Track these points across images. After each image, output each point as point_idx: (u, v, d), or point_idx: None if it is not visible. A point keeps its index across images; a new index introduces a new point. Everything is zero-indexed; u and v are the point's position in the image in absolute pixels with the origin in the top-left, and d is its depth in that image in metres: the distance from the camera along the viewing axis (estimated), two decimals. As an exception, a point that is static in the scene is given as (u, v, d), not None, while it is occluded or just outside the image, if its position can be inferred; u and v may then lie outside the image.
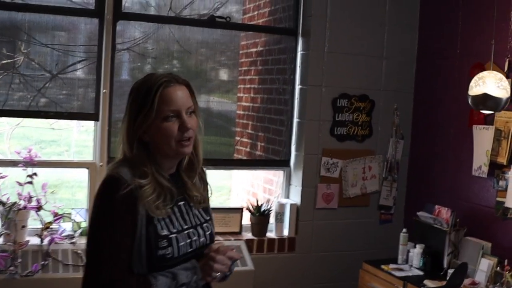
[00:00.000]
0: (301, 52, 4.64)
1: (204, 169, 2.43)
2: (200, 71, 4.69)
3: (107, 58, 4.24)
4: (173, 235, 2.11)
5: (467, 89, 4.25)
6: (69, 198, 4.80)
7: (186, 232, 2.16)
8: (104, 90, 4.23)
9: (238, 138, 5.04)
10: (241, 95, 5.10)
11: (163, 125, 2.12)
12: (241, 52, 5.09)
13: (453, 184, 4.42)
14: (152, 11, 4.46)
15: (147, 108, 2.10)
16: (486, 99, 3.65)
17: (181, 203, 2.21)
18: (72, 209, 4.26)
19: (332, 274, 4.71)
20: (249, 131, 5.00)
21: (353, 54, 4.63)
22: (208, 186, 2.42)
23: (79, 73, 4.35)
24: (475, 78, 3.74)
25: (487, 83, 3.67)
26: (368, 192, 4.74)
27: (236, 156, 4.97)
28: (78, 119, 4.42)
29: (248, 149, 5.01)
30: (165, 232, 2.10)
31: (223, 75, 4.92)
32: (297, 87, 4.67)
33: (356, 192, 4.69)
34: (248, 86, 5.05)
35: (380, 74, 4.73)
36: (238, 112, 5.09)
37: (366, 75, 4.69)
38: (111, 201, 2.04)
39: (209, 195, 2.42)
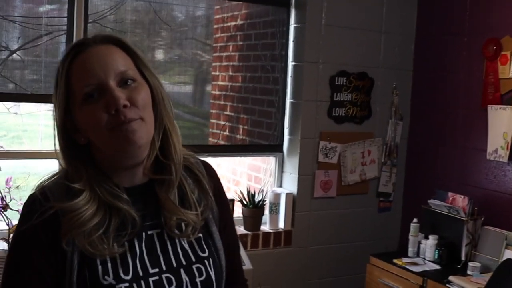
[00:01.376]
0: (295, 25, 4.17)
1: (202, 162, 1.64)
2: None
3: (79, 30, 3.65)
4: (123, 285, 1.37)
5: (480, 66, 3.97)
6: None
7: (153, 279, 1.40)
8: (76, 67, 3.64)
9: (214, 121, 4.55)
10: (217, 73, 4.60)
11: (83, 110, 1.40)
12: (215, 26, 4.58)
13: (463, 169, 4.09)
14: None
15: (58, 94, 1.44)
16: None
17: (153, 231, 1.46)
18: (41, 206, 3.68)
19: (333, 268, 4.32)
20: (228, 113, 4.52)
21: (351, 28, 4.20)
22: (217, 192, 1.62)
23: (45, 49, 3.74)
24: None
25: None
26: (368, 179, 4.36)
27: (212, 141, 4.48)
28: (46, 102, 3.80)
29: (227, 133, 4.53)
30: (109, 280, 1.36)
31: (194, 51, 4.38)
32: (290, 64, 4.21)
33: (355, 179, 4.29)
34: (225, 63, 4.55)
35: (378, 50, 4.33)
36: (213, 92, 4.59)
37: (364, 51, 4.27)
38: (18, 234, 1.42)
39: (217, 207, 1.60)
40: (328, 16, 4.12)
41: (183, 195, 1.51)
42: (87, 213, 1.37)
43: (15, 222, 3.42)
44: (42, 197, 1.40)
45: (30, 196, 1.44)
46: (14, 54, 3.59)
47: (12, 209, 3.44)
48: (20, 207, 3.48)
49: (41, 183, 1.47)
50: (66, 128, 1.45)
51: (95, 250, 1.36)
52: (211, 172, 1.64)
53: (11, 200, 3.45)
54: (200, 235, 1.51)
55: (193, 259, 1.47)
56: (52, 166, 3.72)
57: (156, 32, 4.08)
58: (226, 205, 1.66)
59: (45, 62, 3.71)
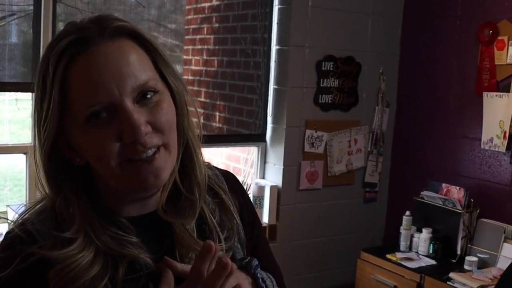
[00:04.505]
0: (280, 6, 3.90)
1: (222, 173, 1.31)
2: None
3: (47, 11, 3.30)
4: None
5: (474, 51, 3.81)
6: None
7: None
8: (45, 53, 3.29)
9: (190, 109, 4.26)
10: (189, 57, 4.30)
11: (85, 133, 1.05)
12: (187, 7, 4.28)
13: (454, 159, 3.93)
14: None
15: (47, 105, 1.05)
16: None
17: None
18: (8, 206, 3.35)
19: (320, 263, 4.12)
20: (202, 99, 4.23)
21: (338, 10, 3.96)
22: (244, 210, 1.29)
23: (8, 32, 3.38)
24: None
25: None
26: (354, 169, 4.15)
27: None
28: (10, 91, 3.45)
29: (202, 121, 4.24)
30: None
31: (164, 34, 4.06)
32: (274, 47, 3.94)
33: (341, 169, 4.08)
34: (199, 47, 4.26)
35: (366, 33, 4.10)
36: (185, 77, 4.30)
37: (351, 34, 4.04)
38: None
39: (243, 230, 1.27)
40: (314, -3, 3.86)
41: (202, 220, 1.17)
42: (83, 261, 1.04)
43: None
44: (27, 237, 1.06)
45: (8, 236, 1.09)
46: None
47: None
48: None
49: (21, 216, 1.11)
50: (57, 147, 1.08)
51: None
52: (234, 186, 1.30)
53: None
54: None
55: None
56: (17, 162, 3.40)
57: (124, 12, 3.75)
58: (256, 221, 1.34)
59: (8, 47, 3.36)
